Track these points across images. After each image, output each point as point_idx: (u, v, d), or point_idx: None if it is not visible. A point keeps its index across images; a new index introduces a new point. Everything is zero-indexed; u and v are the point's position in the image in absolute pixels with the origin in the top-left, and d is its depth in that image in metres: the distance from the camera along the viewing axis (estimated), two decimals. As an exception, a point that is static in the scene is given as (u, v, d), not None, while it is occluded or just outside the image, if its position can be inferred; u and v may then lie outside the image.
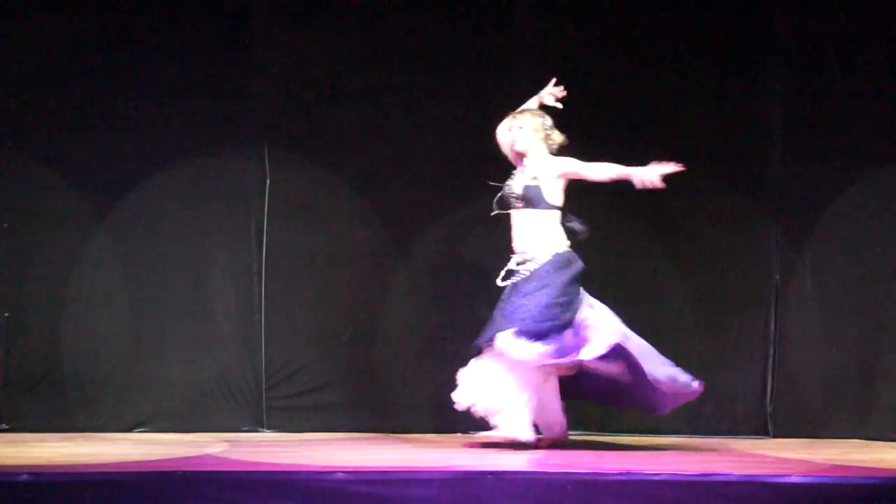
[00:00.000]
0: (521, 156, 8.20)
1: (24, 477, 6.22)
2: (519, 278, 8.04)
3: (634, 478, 6.57)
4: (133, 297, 9.08)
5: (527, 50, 9.33)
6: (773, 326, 9.28)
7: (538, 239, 8.05)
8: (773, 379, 9.27)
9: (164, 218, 9.13)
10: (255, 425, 9.13)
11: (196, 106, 9.13)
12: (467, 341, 9.27)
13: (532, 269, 8.01)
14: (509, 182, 8.15)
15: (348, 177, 9.28)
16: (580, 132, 9.30)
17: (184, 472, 6.45)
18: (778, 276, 9.30)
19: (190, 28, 9.14)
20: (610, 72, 9.33)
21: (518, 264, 8.08)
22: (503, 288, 8.10)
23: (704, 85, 9.29)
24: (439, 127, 9.32)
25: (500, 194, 8.13)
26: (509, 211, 8.14)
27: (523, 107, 8.33)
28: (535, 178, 8.10)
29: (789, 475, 6.59)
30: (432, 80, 9.31)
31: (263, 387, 9.16)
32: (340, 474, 6.40)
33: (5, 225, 8.98)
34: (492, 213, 8.16)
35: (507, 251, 8.14)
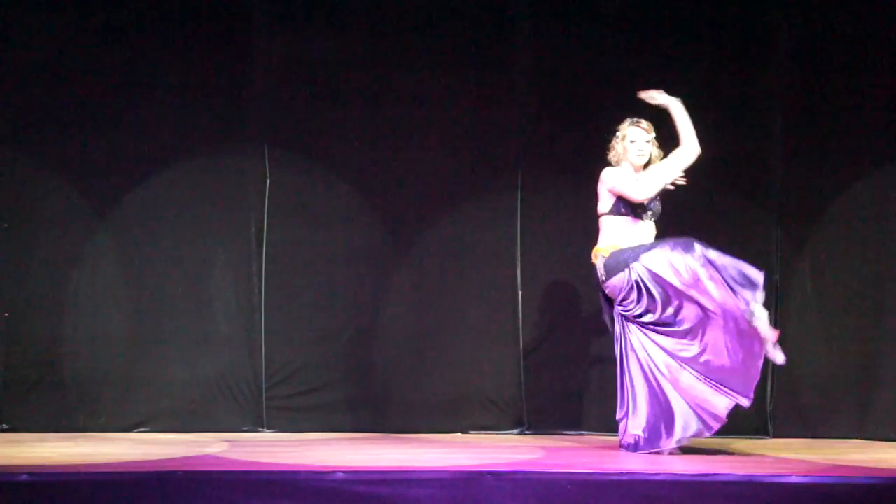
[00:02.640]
0: (635, 167, 8.07)
1: (24, 477, 6.22)
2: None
3: (634, 478, 6.57)
4: (133, 297, 9.09)
5: (526, 51, 9.33)
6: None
7: None
8: (773, 379, 9.28)
9: (164, 218, 9.13)
10: (255, 425, 9.13)
11: (196, 106, 9.13)
12: (467, 341, 9.30)
13: None
14: None
15: (348, 177, 9.28)
16: (579, 133, 9.33)
17: (184, 472, 6.45)
18: (778, 276, 9.30)
19: (190, 28, 9.15)
20: (609, 72, 9.33)
21: None
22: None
23: (704, 85, 9.28)
24: (439, 127, 9.32)
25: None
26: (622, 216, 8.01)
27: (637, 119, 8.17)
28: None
29: (789, 475, 6.59)
30: (432, 80, 9.31)
31: (263, 387, 9.16)
32: (340, 474, 6.40)
33: (5, 225, 8.98)
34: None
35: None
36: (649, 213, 8.04)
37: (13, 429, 8.82)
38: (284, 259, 9.21)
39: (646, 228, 8.01)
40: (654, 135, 8.11)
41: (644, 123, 8.11)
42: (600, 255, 7.95)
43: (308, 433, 9.03)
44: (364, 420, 9.17)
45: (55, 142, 9.02)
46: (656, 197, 8.03)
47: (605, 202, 8.01)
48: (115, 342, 9.04)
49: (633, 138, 8.08)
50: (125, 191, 9.09)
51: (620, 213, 7.97)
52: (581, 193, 9.25)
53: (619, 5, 9.35)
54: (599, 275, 7.96)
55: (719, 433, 8.90)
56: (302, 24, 9.26)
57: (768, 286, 9.24)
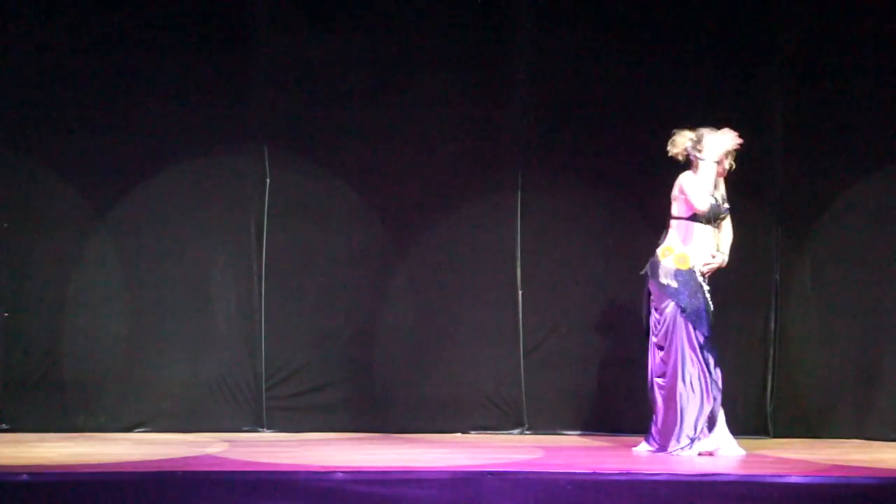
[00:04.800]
0: (718, 174, 8.09)
1: (24, 477, 6.22)
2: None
3: (634, 478, 6.57)
4: (133, 297, 9.08)
5: (526, 51, 9.33)
6: (773, 326, 9.29)
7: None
8: (773, 379, 9.28)
9: (164, 218, 9.13)
10: (255, 425, 9.13)
11: (196, 106, 9.13)
12: (467, 341, 9.30)
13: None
14: (717, 198, 8.04)
15: (348, 177, 9.28)
16: (579, 132, 9.33)
17: (184, 472, 6.46)
18: (778, 276, 9.31)
19: (190, 28, 9.14)
20: (609, 73, 9.33)
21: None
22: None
23: (705, 85, 9.28)
24: (439, 127, 9.32)
25: (713, 208, 7.99)
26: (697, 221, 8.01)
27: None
28: (724, 199, 8.09)
29: (789, 475, 6.60)
30: (432, 80, 9.31)
31: (263, 387, 9.16)
32: (340, 474, 6.40)
33: (5, 225, 8.98)
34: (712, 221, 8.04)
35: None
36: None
37: (13, 429, 8.82)
38: (284, 259, 9.21)
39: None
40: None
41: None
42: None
43: (308, 433, 9.03)
44: (364, 420, 9.17)
45: (55, 142, 9.02)
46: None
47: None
48: (115, 342, 9.05)
49: (724, 162, 8.07)
50: (125, 191, 9.09)
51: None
52: (581, 193, 9.27)
53: (620, 5, 9.35)
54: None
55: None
56: (302, 24, 9.26)
57: (768, 286, 9.29)
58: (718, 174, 8.04)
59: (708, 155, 7.96)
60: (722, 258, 8.08)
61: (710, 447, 7.82)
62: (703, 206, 7.94)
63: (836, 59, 9.21)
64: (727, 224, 8.15)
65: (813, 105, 9.24)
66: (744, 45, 9.34)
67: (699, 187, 7.93)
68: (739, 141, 8.00)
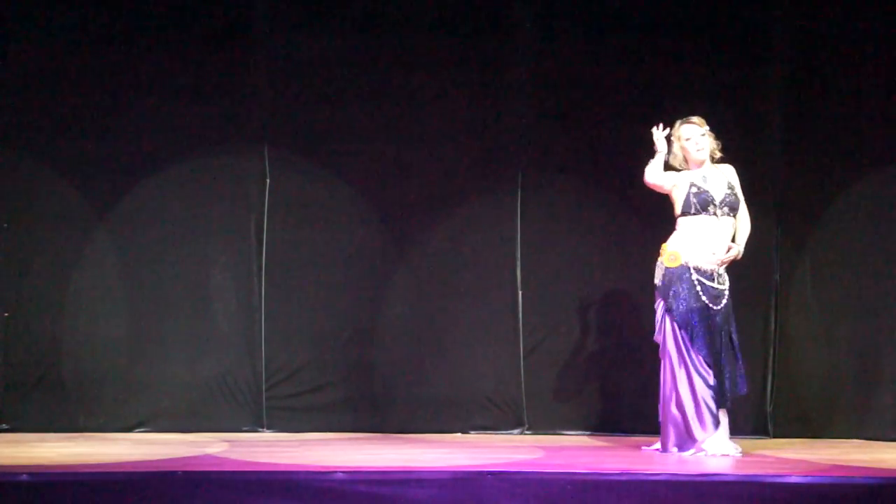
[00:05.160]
0: (696, 162, 8.08)
1: (24, 477, 6.23)
2: (726, 303, 8.04)
3: (634, 478, 6.58)
4: (133, 297, 9.08)
5: (526, 51, 9.33)
6: (773, 326, 9.29)
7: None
8: (773, 379, 9.28)
9: (164, 218, 9.13)
10: (255, 425, 9.13)
11: (196, 106, 9.13)
12: (467, 341, 9.30)
13: (727, 297, 8.05)
14: (701, 185, 7.99)
15: (348, 177, 9.28)
16: (579, 133, 9.33)
17: (184, 472, 6.46)
18: (778, 276, 9.30)
19: (190, 28, 9.14)
20: (609, 73, 9.33)
21: (718, 277, 8.00)
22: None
23: (704, 85, 9.28)
24: (439, 127, 9.32)
25: (691, 196, 7.95)
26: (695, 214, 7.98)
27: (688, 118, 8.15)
28: (731, 186, 8.05)
29: (789, 475, 6.60)
30: (432, 80, 9.31)
31: (263, 387, 9.16)
32: (340, 474, 6.40)
33: (5, 225, 8.98)
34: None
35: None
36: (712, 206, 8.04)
37: (13, 429, 8.83)
38: (284, 259, 9.21)
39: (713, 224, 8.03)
40: (707, 128, 8.08)
41: (695, 119, 8.10)
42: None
43: (308, 433, 9.03)
44: (364, 420, 9.17)
45: (55, 142, 9.02)
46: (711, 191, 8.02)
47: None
48: (115, 342, 9.05)
49: (688, 136, 8.06)
50: (125, 191, 9.09)
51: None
52: (581, 193, 9.27)
53: (620, 6, 9.35)
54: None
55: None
56: (302, 24, 9.26)
57: (768, 286, 9.28)
58: (694, 158, 8.04)
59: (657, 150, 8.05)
60: (737, 250, 8.04)
61: (711, 452, 7.81)
62: (647, 177, 7.98)
63: (836, 59, 9.20)
64: (743, 215, 8.11)
65: (813, 105, 9.24)
66: (743, 45, 9.33)
67: (647, 168, 8.02)
68: (653, 128, 8.05)
